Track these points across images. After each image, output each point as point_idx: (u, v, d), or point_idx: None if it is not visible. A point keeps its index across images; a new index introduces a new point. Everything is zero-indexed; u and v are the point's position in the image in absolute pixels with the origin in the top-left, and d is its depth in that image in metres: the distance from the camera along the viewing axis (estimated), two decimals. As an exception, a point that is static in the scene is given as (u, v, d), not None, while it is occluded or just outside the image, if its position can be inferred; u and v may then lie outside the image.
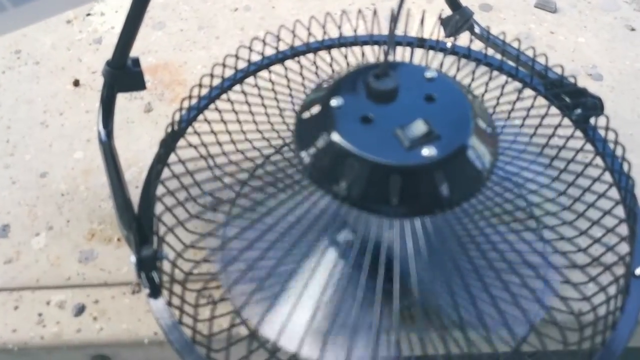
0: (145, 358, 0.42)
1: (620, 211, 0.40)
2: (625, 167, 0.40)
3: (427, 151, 0.33)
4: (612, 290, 0.36)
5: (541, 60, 0.47)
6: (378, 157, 0.33)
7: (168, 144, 0.41)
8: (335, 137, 0.34)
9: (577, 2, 0.67)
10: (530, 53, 0.49)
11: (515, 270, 0.34)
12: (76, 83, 0.57)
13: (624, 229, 0.39)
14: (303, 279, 0.35)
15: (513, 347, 0.34)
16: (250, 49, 0.46)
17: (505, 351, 0.35)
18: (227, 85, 0.46)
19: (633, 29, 0.64)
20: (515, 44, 0.49)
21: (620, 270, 0.37)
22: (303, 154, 0.35)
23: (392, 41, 0.36)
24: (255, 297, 0.34)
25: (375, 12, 0.49)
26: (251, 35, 0.62)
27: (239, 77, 0.47)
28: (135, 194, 0.44)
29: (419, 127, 0.34)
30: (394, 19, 0.35)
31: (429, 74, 0.37)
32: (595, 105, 0.43)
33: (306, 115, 0.37)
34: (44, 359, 0.41)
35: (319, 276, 0.35)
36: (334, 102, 0.36)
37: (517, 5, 0.66)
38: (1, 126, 0.54)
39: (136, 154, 0.52)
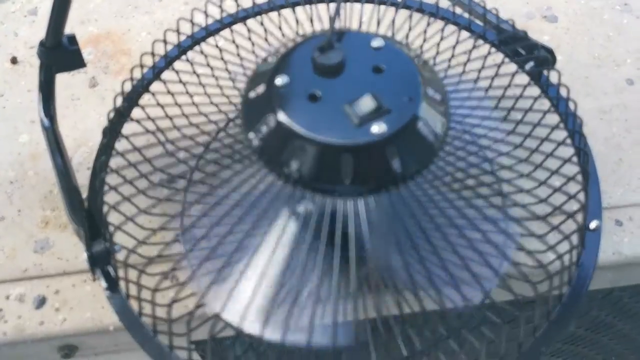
0: (113, 344, 0.42)
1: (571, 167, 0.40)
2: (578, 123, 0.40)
3: (377, 127, 0.32)
4: (566, 246, 0.37)
5: (495, 5, 0.46)
6: (327, 136, 0.32)
7: (113, 128, 0.40)
8: (282, 118, 0.33)
9: (531, -62, 0.65)
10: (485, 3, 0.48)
11: (476, 226, 0.34)
12: (14, 60, 0.54)
13: (576, 185, 0.39)
14: (263, 253, 0.35)
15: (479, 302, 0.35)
16: (192, 22, 0.44)
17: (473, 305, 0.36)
18: (171, 57, 0.44)
19: (587, -35, 0.63)
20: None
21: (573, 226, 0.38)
22: (251, 135, 0.35)
23: (336, 14, 0.35)
24: (215, 276, 0.34)
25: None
26: (196, -5, 0.60)
27: (183, 48, 0.45)
28: (86, 177, 0.43)
29: (367, 103, 0.33)
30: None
31: (375, 43, 0.36)
32: (546, 59, 0.42)
33: (252, 95, 0.35)
34: (8, 353, 0.41)
35: (280, 250, 0.35)
36: (279, 80, 0.34)
37: (470, -55, 0.64)
38: (-62, 113, 0.51)
39: (84, 133, 0.50)
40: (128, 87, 0.43)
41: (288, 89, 0.34)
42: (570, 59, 0.56)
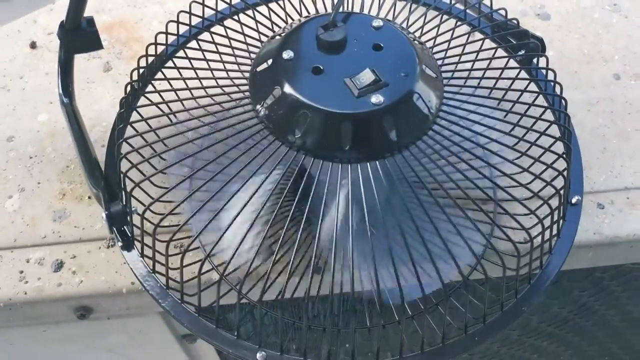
0: (125, 306, 0.45)
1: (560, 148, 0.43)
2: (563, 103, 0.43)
3: (376, 98, 0.35)
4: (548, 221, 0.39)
5: (487, 2, 0.49)
6: (329, 106, 0.35)
7: (128, 102, 0.43)
8: (288, 88, 0.36)
9: (526, -60, 0.68)
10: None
11: (460, 206, 0.36)
12: (33, 45, 0.57)
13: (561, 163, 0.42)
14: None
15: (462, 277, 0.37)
16: (204, 4, 0.47)
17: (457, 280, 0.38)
18: (183, 41, 0.47)
19: (579, -33, 0.66)
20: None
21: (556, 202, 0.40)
22: (258, 106, 0.37)
23: (339, 4, 0.38)
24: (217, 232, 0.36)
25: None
26: (206, -12, 0.63)
27: (195, 33, 0.48)
28: (101, 153, 0.46)
29: (367, 76, 0.36)
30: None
31: (375, 23, 0.39)
32: (537, 47, 0.45)
33: (259, 68, 0.38)
34: (28, 312, 0.44)
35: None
36: (285, 54, 0.37)
37: (467, -54, 0.67)
38: (-38, 93, 0.54)
39: (99, 113, 0.53)
40: (142, 70, 0.46)
41: (294, 62, 0.37)
42: (561, 54, 0.59)
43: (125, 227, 0.38)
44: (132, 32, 0.59)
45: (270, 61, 0.38)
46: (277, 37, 0.40)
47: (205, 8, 0.47)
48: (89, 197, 0.48)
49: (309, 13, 0.47)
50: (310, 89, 0.36)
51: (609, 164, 0.52)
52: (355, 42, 0.38)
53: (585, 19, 0.62)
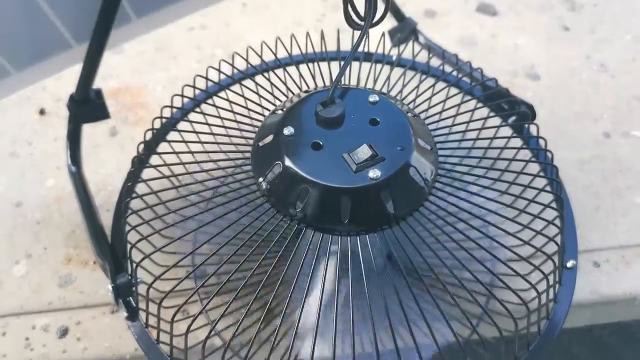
0: (128, 372, 0.46)
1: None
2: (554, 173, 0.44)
3: (373, 173, 0.37)
4: (545, 284, 0.40)
5: (483, 64, 0.51)
6: (328, 181, 0.36)
7: (135, 176, 0.44)
8: (289, 164, 0.37)
9: (515, 3, 0.71)
10: (472, 59, 0.53)
11: (464, 266, 0.37)
12: (42, 112, 0.59)
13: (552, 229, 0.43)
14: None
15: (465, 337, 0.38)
16: (207, 78, 0.49)
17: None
18: (186, 110, 0.49)
19: (567, 29, 0.69)
20: (456, 51, 0.53)
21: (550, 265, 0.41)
22: (260, 180, 0.39)
23: (339, 78, 0.40)
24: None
25: (322, 34, 0.52)
26: (208, 54, 0.65)
27: (199, 101, 0.50)
28: (106, 217, 0.47)
29: (364, 151, 0.37)
30: (345, 66, 0.39)
31: (372, 98, 0.41)
32: (527, 114, 0.47)
33: (261, 143, 0.40)
34: (33, 381, 0.44)
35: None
36: (286, 130, 0.39)
37: (459, 10, 0.70)
38: (-28, 159, 0.56)
39: (104, 177, 0.54)
40: (149, 134, 0.48)
41: (294, 138, 0.39)
42: (552, 113, 0.61)
43: (130, 298, 0.39)
44: (137, 97, 0.61)
45: (271, 136, 0.39)
46: (279, 111, 0.42)
47: (206, 76, 0.50)
48: (94, 262, 0.49)
49: (307, 85, 0.49)
50: (310, 164, 0.37)
51: (602, 221, 0.53)
52: (352, 117, 0.40)
53: (574, 78, 0.64)
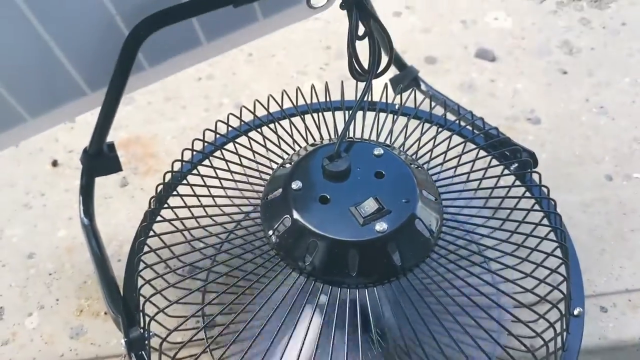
0: None
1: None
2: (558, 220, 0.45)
3: (380, 226, 0.38)
4: (552, 332, 0.41)
5: (484, 109, 0.53)
6: (337, 234, 0.37)
7: (147, 229, 0.45)
8: (298, 218, 0.38)
9: (513, 49, 0.73)
10: (473, 104, 0.54)
11: (469, 313, 0.38)
12: (54, 163, 0.60)
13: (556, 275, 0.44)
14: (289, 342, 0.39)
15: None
16: (216, 132, 0.50)
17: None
18: (196, 163, 0.50)
19: (565, 72, 0.70)
20: (457, 97, 0.54)
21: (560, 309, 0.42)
22: (270, 233, 0.40)
23: (345, 132, 0.41)
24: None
25: (326, 86, 0.53)
26: (215, 103, 0.67)
27: (208, 153, 0.51)
28: (117, 268, 0.48)
29: (370, 205, 0.38)
30: (350, 120, 0.40)
31: (376, 151, 0.42)
32: (528, 162, 0.48)
33: (270, 197, 0.41)
34: None
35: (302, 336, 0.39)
36: (294, 185, 0.40)
37: (459, 56, 0.72)
38: (-14, 211, 0.57)
39: (115, 228, 0.55)
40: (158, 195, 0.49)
41: (302, 192, 0.40)
42: (554, 157, 0.62)
43: (142, 351, 0.40)
44: (147, 147, 0.62)
45: (280, 190, 0.40)
46: (287, 164, 0.43)
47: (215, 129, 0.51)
48: (105, 313, 0.50)
49: (313, 137, 0.50)
50: (319, 218, 0.38)
51: (608, 265, 0.54)
52: (358, 170, 0.41)
53: (574, 121, 0.65)
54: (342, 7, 0.45)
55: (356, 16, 0.45)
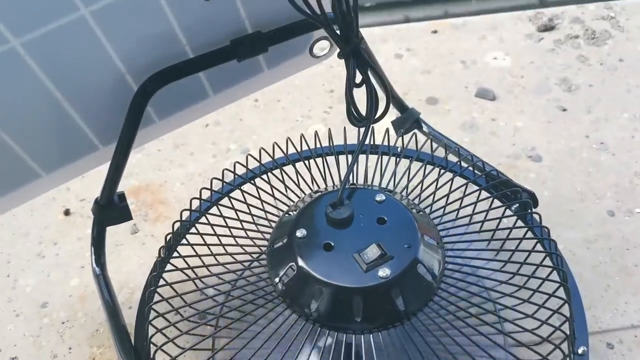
0: None
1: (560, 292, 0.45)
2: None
3: (383, 272, 0.39)
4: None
5: (485, 147, 0.54)
6: (341, 281, 0.39)
7: (155, 281, 0.46)
8: (303, 266, 0.40)
9: (513, 88, 0.75)
10: (474, 143, 0.55)
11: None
12: (67, 212, 0.62)
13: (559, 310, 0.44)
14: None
15: None
16: (223, 180, 0.52)
17: None
18: (203, 212, 0.52)
19: (564, 110, 0.72)
20: (458, 136, 0.56)
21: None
22: (276, 280, 0.41)
23: (347, 179, 0.42)
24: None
25: (330, 132, 0.55)
26: (223, 149, 0.69)
27: (215, 202, 0.53)
28: (128, 315, 0.49)
29: (373, 251, 0.40)
30: (350, 166, 0.42)
31: (378, 197, 0.43)
32: (528, 203, 0.49)
33: (276, 245, 0.42)
34: None
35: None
36: (299, 233, 0.41)
37: (460, 96, 0.74)
38: (1, 261, 0.58)
39: (126, 275, 0.57)
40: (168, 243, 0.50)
41: (306, 240, 0.41)
42: (556, 193, 0.63)
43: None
44: (156, 194, 0.64)
45: (285, 239, 0.42)
46: (291, 212, 0.44)
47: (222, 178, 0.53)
48: (117, 361, 0.50)
49: (317, 184, 0.51)
50: (323, 265, 0.39)
51: (613, 301, 0.54)
52: (361, 217, 0.42)
53: (575, 158, 0.67)
54: (339, 56, 0.47)
55: (353, 65, 0.46)
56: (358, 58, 0.46)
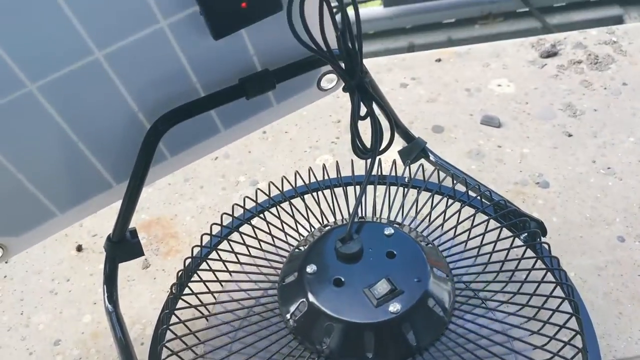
0: None
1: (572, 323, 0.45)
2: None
3: (393, 307, 0.39)
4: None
5: (492, 175, 0.54)
6: (352, 317, 0.39)
7: (167, 318, 0.47)
8: (314, 302, 0.40)
9: (518, 114, 0.75)
10: (481, 171, 0.55)
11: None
12: (79, 248, 0.63)
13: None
14: None
15: None
16: (233, 215, 0.52)
17: None
18: (213, 248, 0.52)
19: (570, 135, 0.72)
20: (465, 164, 0.56)
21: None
22: (287, 317, 0.41)
23: (355, 213, 0.43)
24: None
25: (337, 165, 0.56)
26: (232, 181, 0.69)
27: (224, 237, 0.53)
28: (140, 351, 0.49)
29: (383, 286, 0.40)
30: (358, 201, 0.42)
31: (387, 231, 0.44)
32: (537, 233, 0.49)
33: (287, 281, 0.43)
34: None
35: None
36: (309, 268, 0.42)
37: (465, 124, 0.74)
38: (15, 299, 0.59)
39: (138, 311, 0.57)
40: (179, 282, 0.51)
41: (317, 276, 0.41)
42: (565, 220, 0.63)
43: None
44: (167, 228, 0.64)
45: (295, 274, 0.42)
46: (301, 247, 0.45)
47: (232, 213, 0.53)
48: (130, 398, 0.51)
49: (325, 217, 0.52)
50: (334, 301, 0.40)
51: (627, 329, 0.54)
52: (370, 251, 0.42)
53: (583, 184, 0.67)
54: (344, 90, 0.48)
55: (358, 98, 0.47)
56: (362, 92, 0.47)
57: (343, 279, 0.41)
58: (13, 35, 0.38)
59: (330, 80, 0.54)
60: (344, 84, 0.47)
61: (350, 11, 0.43)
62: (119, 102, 0.45)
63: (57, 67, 0.41)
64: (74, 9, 0.39)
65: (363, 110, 0.47)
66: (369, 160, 0.48)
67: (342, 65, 0.45)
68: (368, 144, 0.48)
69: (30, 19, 0.38)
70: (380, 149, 0.48)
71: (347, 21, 0.43)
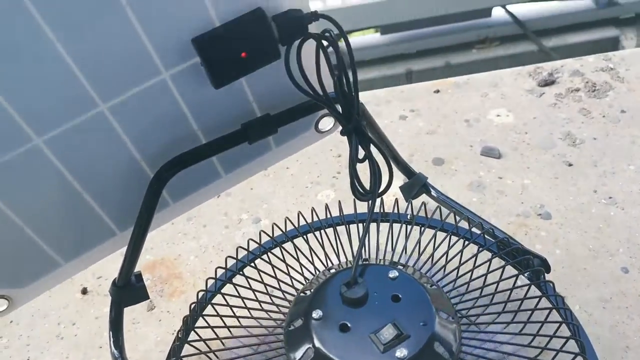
0: None
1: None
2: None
3: (400, 352, 0.39)
4: None
5: (494, 207, 0.54)
6: (358, 364, 0.39)
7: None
8: (320, 348, 0.40)
9: (518, 145, 0.76)
10: (483, 203, 0.56)
11: None
12: (84, 291, 0.63)
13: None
14: None
15: None
16: (237, 258, 0.53)
17: None
18: (218, 291, 0.52)
19: (570, 164, 0.72)
20: (466, 196, 0.56)
21: None
22: (295, 363, 0.41)
23: (358, 258, 0.43)
24: None
25: (340, 205, 0.56)
26: (235, 219, 0.70)
27: (228, 280, 0.53)
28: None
29: (389, 331, 0.40)
30: (361, 244, 0.42)
31: (392, 274, 0.44)
32: (540, 271, 0.49)
33: (293, 326, 0.43)
34: None
35: None
36: (315, 314, 0.42)
37: (465, 155, 0.75)
38: (21, 344, 0.59)
39: (144, 354, 0.57)
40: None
41: (322, 321, 0.41)
42: (568, 252, 0.63)
43: None
44: (171, 268, 0.65)
45: (301, 320, 0.42)
46: (307, 291, 0.45)
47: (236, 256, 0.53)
48: None
49: (329, 259, 0.52)
50: (340, 347, 0.40)
51: (634, 362, 0.54)
52: (375, 295, 0.43)
53: (585, 214, 0.67)
54: (342, 133, 0.48)
55: (356, 142, 0.48)
56: (360, 135, 0.48)
57: (349, 324, 0.41)
58: (21, 91, 0.39)
59: (327, 123, 0.55)
60: (341, 128, 0.48)
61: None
62: (122, 152, 0.46)
63: (63, 121, 0.41)
64: (81, 65, 0.40)
65: (361, 153, 0.48)
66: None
67: (339, 108, 0.46)
68: (368, 181, 0.48)
69: (38, 75, 0.39)
70: (380, 191, 0.49)
71: (343, 67, 0.44)
